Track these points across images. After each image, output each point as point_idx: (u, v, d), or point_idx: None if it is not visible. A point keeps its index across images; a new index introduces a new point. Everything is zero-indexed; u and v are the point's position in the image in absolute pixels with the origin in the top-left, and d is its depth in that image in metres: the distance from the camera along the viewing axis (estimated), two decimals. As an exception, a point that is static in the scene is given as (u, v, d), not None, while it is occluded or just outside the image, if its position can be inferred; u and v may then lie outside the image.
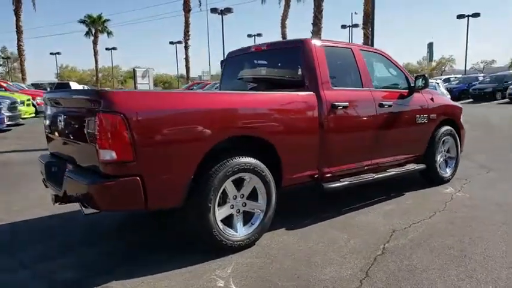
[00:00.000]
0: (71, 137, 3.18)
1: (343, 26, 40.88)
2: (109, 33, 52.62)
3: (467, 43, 35.41)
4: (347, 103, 4.01)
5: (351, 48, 4.39)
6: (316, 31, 13.86)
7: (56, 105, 3.47)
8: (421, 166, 4.99)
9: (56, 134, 3.53)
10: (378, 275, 2.86)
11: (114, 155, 2.70)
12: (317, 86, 3.84)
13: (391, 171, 4.64)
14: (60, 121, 3.31)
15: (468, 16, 34.94)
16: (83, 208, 2.87)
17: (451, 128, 5.43)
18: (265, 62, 4.52)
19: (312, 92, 3.81)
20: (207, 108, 3.11)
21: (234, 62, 4.95)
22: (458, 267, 2.95)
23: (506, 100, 22.79)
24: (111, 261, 3.23)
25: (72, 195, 3.02)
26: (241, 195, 3.36)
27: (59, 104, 3.39)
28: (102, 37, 52.61)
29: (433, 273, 2.86)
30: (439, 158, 5.31)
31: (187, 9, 34.30)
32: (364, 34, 17.70)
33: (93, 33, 51.10)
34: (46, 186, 3.78)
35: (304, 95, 3.77)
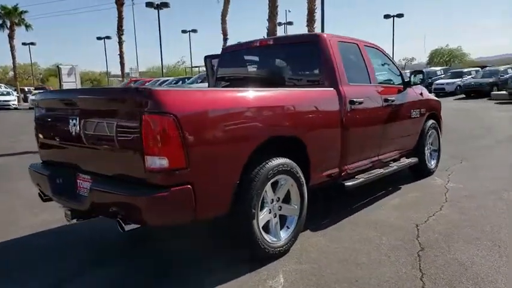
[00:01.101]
0: (93, 143, 2.75)
1: (279, 24, 41.39)
2: (27, 27, 48.17)
3: (394, 42, 37.81)
4: (362, 99, 3.97)
5: (357, 44, 4.37)
6: (272, 27, 13.81)
7: (66, 106, 2.99)
8: (415, 159, 5.14)
9: (62, 140, 3.06)
10: (432, 271, 2.85)
11: (165, 162, 2.37)
12: (336, 82, 3.75)
13: (394, 166, 4.71)
14: (72, 125, 2.84)
15: (393, 16, 37.30)
16: (123, 224, 2.48)
17: (435, 122, 5.67)
18: (273, 58, 4.34)
19: (332, 89, 3.72)
20: (254, 106, 2.89)
21: (233, 58, 4.70)
22: (501, 257, 3.03)
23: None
24: (146, 278, 2.88)
25: (105, 210, 2.63)
26: (277, 199, 3.17)
27: (73, 105, 2.92)
28: (21, 31, 48.12)
29: (483, 265, 2.91)
30: (427, 151, 5.51)
31: (120, 2, 32.47)
32: (309, 31, 17.99)
33: (8, 26, 46.43)
34: (44, 201, 3.28)
35: (327, 91, 3.67)
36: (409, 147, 5.18)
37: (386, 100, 4.43)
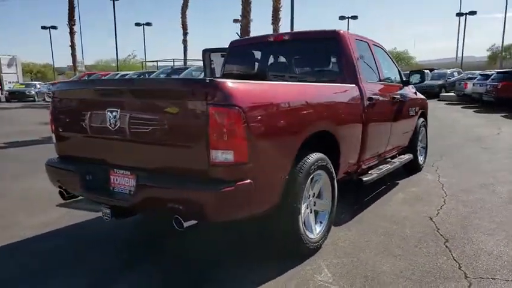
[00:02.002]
0: (141, 137, 2.59)
1: (236, 21, 41.30)
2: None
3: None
4: (377, 96, 4.08)
5: (367, 42, 4.47)
6: (246, 23, 13.70)
7: (102, 98, 2.78)
8: (410, 156, 5.36)
9: (93, 134, 2.85)
10: (466, 261, 2.98)
11: (230, 156, 2.29)
12: (357, 78, 3.81)
13: (396, 162, 4.87)
14: (111, 118, 2.66)
15: (348, 18, 38.54)
16: (182, 221, 2.37)
17: (424, 120, 5.95)
18: (289, 53, 4.32)
19: (354, 85, 3.78)
20: (306, 100, 2.87)
21: (243, 52, 4.62)
22: (530, 246, 3.24)
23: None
24: (186, 281, 2.77)
25: (159, 206, 2.50)
26: (313, 194, 3.18)
27: (114, 96, 2.73)
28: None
29: (508, 254, 3.09)
30: (418, 148, 5.77)
31: (70, -9, 30.85)
32: (274, 30, 18.11)
33: None
34: (66, 199, 3.06)
35: (353, 87, 3.72)
36: (405, 144, 5.38)
37: (393, 98, 4.58)
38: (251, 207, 2.52)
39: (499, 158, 6.84)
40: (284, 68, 4.37)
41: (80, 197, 3.18)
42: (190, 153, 2.39)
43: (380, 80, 4.46)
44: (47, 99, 26.45)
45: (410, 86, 5.47)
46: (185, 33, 31.12)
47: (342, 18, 38.85)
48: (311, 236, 3.07)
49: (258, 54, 4.58)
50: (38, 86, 29.60)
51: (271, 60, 4.55)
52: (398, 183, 5.26)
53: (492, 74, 17.88)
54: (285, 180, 2.75)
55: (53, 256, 3.17)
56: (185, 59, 31.17)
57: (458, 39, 42.27)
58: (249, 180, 2.39)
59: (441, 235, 3.48)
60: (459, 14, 40.24)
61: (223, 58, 5.58)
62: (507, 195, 4.62)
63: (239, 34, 12.62)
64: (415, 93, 5.59)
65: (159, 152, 2.54)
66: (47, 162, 3.17)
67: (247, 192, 2.40)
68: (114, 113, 2.65)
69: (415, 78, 5.16)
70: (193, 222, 2.45)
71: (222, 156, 2.30)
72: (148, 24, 43.04)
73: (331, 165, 3.25)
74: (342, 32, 3.94)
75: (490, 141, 8.61)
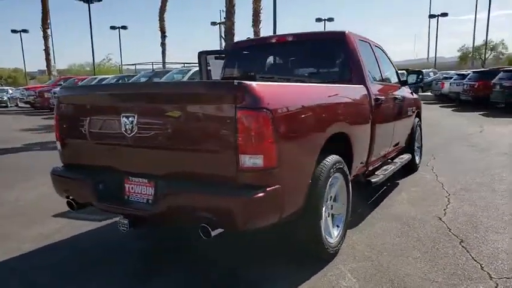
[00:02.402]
0: (161, 143, 2.46)
1: (213, 23, 41.23)
2: None
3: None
4: (383, 96, 4.06)
5: (369, 43, 4.45)
6: (230, 25, 13.54)
7: (117, 103, 2.63)
8: (409, 156, 5.38)
9: (106, 140, 2.71)
10: (487, 260, 2.96)
11: (259, 161, 2.20)
12: (364, 79, 3.78)
13: (398, 162, 4.87)
14: (127, 124, 2.51)
15: (325, 20, 39.08)
16: (210, 230, 2.25)
17: (419, 119, 6.00)
18: (294, 55, 4.25)
19: (362, 86, 3.75)
20: (329, 102, 2.82)
21: (244, 54, 4.53)
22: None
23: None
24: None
25: (185, 215, 2.38)
26: (330, 197, 3.11)
27: (130, 100, 2.58)
28: None
29: (525, 251, 3.11)
30: (415, 147, 5.80)
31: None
32: (255, 32, 18.04)
33: None
34: (75, 210, 2.89)
35: (362, 88, 3.69)
36: (403, 144, 5.40)
37: (395, 98, 4.58)
38: (279, 213, 2.43)
39: (489, 155, 6.98)
40: (288, 70, 4.29)
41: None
42: (217, 158, 2.29)
43: (382, 80, 4.45)
44: (20, 104, 25.55)
45: (407, 86, 5.50)
46: (163, 36, 30.70)
47: (318, 20, 39.29)
48: (330, 240, 3.01)
49: (260, 56, 4.50)
50: (10, 92, 28.56)
51: (274, 62, 4.47)
52: (398, 183, 5.27)
53: (468, 74, 18.37)
54: (309, 184, 2.68)
55: (61, 270, 3.00)
56: (164, 62, 30.74)
57: (429, 41, 43.42)
58: (278, 185, 2.30)
59: (455, 235, 3.47)
60: (432, 16, 41.32)
61: (217, 61, 5.49)
62: (508, 193, 4.68)
63: (223, 36, 12.51)
64: (411, 93, 5.63)
65: (182, 158, 2.42)
66: (53, 172, 2.99)
67: (277, 198, 2.32)
68: (130, 118, 2.51)
69: (412, 78, 5.19)
70: (220, 230, 2.33)
71: (251, 161, 2.20)
72: (123, 27, 42.38)
73: (346, 167, 3.20)
74: (348, 32, 3.90)
75: (476, 139, 8.79)
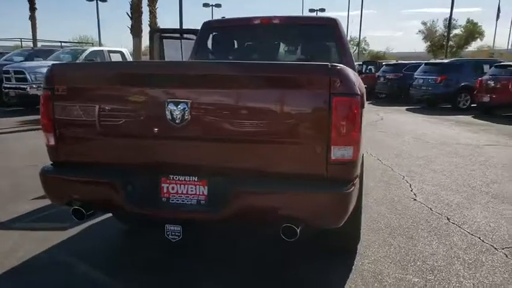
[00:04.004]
0: (224, 134, 2.11)
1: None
2: None
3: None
4: (363, 87, 4.17)
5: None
6: (137, 2, 12.13)
7: (170, 86, 2.16)
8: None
9: (139, 132, 2.23)
10: (491, 236, 3.31)
11: (349, 152, 2.06)
12: (352, 67, 3.82)
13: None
14: (178, 111, 2.08)
15: (212, 6, 38.92)
16: (297, 230, 2.02)
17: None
18: (279, 39, 4.07)
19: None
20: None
21: (220, 36, 4.17)
22: None
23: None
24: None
25: (266, 216, 2.10)
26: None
27: (194, 83, 2.14)
28: None
29: None
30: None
31: None
32: (150, 12, 16.83)
33: None
34: (82, 219, 2.33)
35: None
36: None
37: (365, 88, 4.74)
38: (356, 207, 2.31)
39: (406, 140, 7.79)
40: (271, 54, 4.10)
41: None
42: (301, 151, 2.07)
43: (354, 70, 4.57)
44: None
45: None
46: (33, 8, 26.83)
47: (205, 5, 38.87)
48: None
49: (238, 39, 4.21)
50: None
51: (256, 46, 4.22)
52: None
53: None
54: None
55: None
56: (34, 39, 26.93)
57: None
58: (357, 179, 2.19)
59: (439, 214, 3.79)
60: (311, 11, 44.22)
61: (171, 40, 5.02)
62: (448, 173, 5.29)
63: (129, 14, 11.42)
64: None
65: (254, 152, 2.13)
66: (47, 172, 2.35)
67: (357, 192, 2.21)
68: (181, 105, 2.09)
69: (369, 68, 5.45)
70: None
71: (340, 153, 2.05)
72: None
73: None
74: (338, 19, 3.89)
75: (383, 126, 9.73)
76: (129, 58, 16.21)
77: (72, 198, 2.30)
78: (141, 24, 12.39)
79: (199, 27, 4.20)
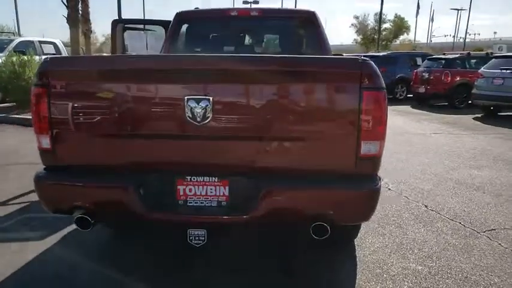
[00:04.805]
0: (253, 130, 2.01)
1: None
2: None
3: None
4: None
5: None
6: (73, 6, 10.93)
7: (189, 81, 1.98)
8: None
9: (153, 130, 2.06)
10: (467, 220, 3.52)
11: (376, 148, 2.06)
12: (332, 60, 3.87)
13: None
14: (199, 108, 1.93)
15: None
16: (328, 228, 1.98)
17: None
18: (256, 32, 3.96)
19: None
20: None
21: (194, 28, 3.98)
22: None
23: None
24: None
25: (295, 216, 2.02)
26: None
27: (217, 78, 1.98)
28: None
29: None
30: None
31: None
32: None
33: None
34: (88, 228, 2.11)
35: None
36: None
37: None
38: None
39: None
40: (249, 47, 4.00)
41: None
42: (329, 146, 2.03)
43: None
44: None
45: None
46: None
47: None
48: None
49: (213, 31, 4.05)
50: None
51: (232, 39, 4.08)
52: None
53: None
54: None
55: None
56: None
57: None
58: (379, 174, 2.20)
59: (416, 202, 3.97)
60: (245, 2, 44.19)
61: (135, 32, 4.75)
62: (410, 163, 5.57)
63: (64, 2, 10.40)
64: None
65: (279, 149, 2.05)
66: (46, 178, 2.09)
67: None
68: (203, 102, 1.94)
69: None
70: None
71: (368, 147, 2.04)
72: None
73: None
74: (316, 12, 3.87)
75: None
76: (63, 49, 15.08)
77: (76, 206, 2.06)
78: (79, 13, 11.50)
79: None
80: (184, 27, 4.00)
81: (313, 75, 1.99)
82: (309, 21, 3.83)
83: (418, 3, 56.11)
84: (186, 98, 1.95)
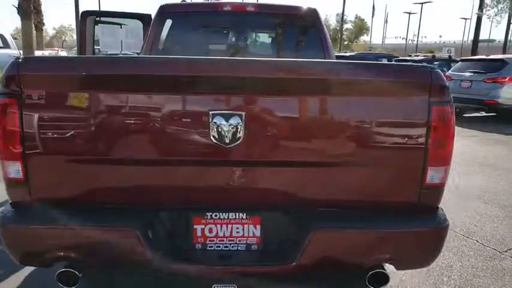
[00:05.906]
0: (293, 154, 1.57)
1: None
2: None
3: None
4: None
5: None
6: None
7: (214, 91, 1.52)
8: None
9: (166, 156, 1.58)
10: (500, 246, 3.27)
11: (441, 174, 1.69)
12: (332, 57, 3.50)
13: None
14: (227, 127, 1.48)
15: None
16: (388, 275, 1.58)
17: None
18: (252, 29, 3.51)
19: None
20: None
21: (181, 23, 3.45)
22: None
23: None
24: None
25: (351, 262, 1.60)
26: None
27: (252, 88, 1.52)
28: None
29: None
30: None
31: None
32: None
33: None
34: (74, 285, 1.59)
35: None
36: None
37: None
38: None
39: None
40: (245, 47, 3.54)
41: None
42: (389, 174, 1.63)
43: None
44: None
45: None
46: None
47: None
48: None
49: (202, 27, 3.56)
50: None
51: (223, 36, 3.60)
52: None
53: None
54: None
55: None
56: None
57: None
58: None
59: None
60: None
61: (107, 26, 4.19)
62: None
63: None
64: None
65: (327, 177, 1.62)
66: (20, 222, 1.54)
67: None
68: (233, 119, 1.48)
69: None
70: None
71: (434, 174, 1.66)
72: None
73: None
74: (317, 9, 3.49)
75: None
76: (12, 43, 13.83)
77: (59, 257, 1.53)
78: (31, 4, 10.52)
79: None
80: (168, 22, 3.48)
81: (375, 87, 1.58)
82: (310, 17, 3.43)
83: (373, 6, 57.83)
84: (211, 113, 1.49)
